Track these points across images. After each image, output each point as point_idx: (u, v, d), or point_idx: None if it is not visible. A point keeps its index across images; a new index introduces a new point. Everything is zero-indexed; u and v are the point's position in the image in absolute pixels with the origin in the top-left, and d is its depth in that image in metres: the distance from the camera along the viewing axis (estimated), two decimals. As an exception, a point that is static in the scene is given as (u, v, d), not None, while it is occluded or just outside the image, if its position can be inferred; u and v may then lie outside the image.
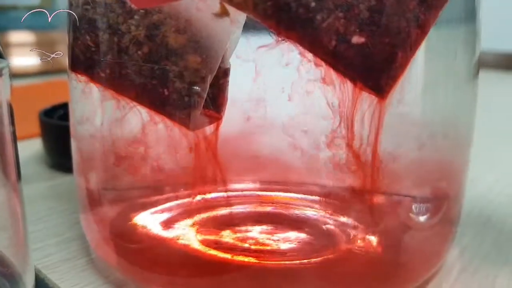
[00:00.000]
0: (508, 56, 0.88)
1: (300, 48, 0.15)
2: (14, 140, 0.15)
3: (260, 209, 0.20)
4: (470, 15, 0.18)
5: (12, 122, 0.14)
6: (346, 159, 0.17)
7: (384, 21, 0.14)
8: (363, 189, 0.18)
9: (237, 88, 0.16)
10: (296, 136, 0.17)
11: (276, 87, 0.16)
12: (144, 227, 0.19)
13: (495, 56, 0.85)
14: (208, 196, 0.18)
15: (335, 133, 0.16)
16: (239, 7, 0.14)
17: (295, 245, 0.18)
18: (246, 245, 0.18)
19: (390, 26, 0.14)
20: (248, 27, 0.15)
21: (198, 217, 0.19)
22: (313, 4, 0.14)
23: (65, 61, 0.19)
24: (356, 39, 0.14)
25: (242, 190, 0.20)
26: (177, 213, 0.19)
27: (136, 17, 0.15)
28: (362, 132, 0.16)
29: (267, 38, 0.15)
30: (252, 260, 0.17)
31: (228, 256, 0.17)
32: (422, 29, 0.15)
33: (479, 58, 0.19)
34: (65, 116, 0.33)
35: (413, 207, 0.18)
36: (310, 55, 0.15)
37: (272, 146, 0.18)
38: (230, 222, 0.19)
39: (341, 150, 0.16)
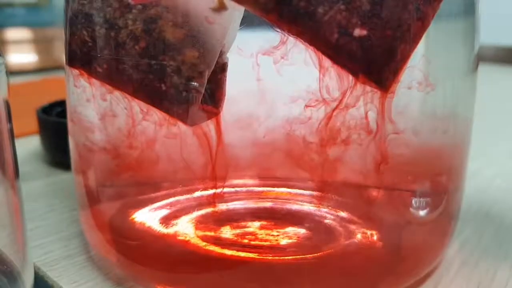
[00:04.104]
0: (507, 50, 0.88)
1: (301, 41, 0.15)
2: (12, 137, 0.14)
3: (259, 204, 0.20)
4: (470, 9, 0.18)
5: (10, 119, 0.14)
6: (345, 154, 0.17)
7: (386, 13, 0.14)
8: (363, 184, 0.18)
9: (235, 83, 0.16)
10: (296, 131, 0.17)
11: (274, 82, 0.16)
12: (143, 223, 0.19)
13: (494, 50, 0.85)
14: (207, 192, 0.18)
15: (335, 128, 0.16)
16: (239, 1, 0.14)
17: (294, 241, 0.18)
18: (246, 240, 0.18)
19: (392, 18, 0.14)
20: (246, 21, 0.15)
21: (197, 213, 0.19)
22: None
23: (62, 58, 0.19)
24: (358, 32, 0.14)
25: (241, 186, 0.20)
26: (176, 209, 0.19)
27: (133, 11, 0.15)
28: (362, 126, 0.16)
29: (266, 33, 0.15)
30: (251, 255, 0.17)
31: (227, 252, 0.17)
32: (423, 21, 0.15)
33: (478, 52, 0.19)
34: (63, 113, 0.33)
35: (413, 201, 0.18)
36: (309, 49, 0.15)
37: (271, 141, 0.18)
38: (229, 218, 0.19)
39: (340, 145, 0.16)
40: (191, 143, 0.17)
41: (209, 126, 0.16)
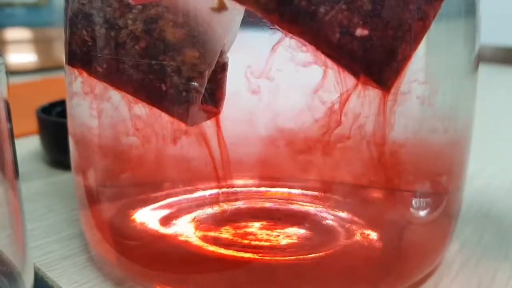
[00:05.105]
0: (506, 50, 0.88)
1: (301, 40, 0.15)
2: (12, 137, 0.14)
3: (260, 205, 0.20)
4: (470, 9, 0.18)
5: (10, 119, 0.14)
6: (346, 154, 0.17)
7: (387, 13, 0.14)
8: (363, 184, 0.18)
9: (236, 83, 0.16)
10: (296, 130, 0.17)
11: (275, 82, 0.16)
12: (143, 223, 0.19)
13: (493, 50, 0.86)
14: (207, 192, 0.18)
15: (336, 128, 0.16)
16: (240, 1, 0.14)
17: (294, 241, 0.18)
18: (246, 241, 0.18)
19: (393, 18, 0.14)
20: (246, 22, 0.15)
21: (197, 213, 0.19)
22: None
23: (62, 58, 0.19)
24: (360, 32, 0.14)
25: (242, 186, 0.20)
26: (176, 209, 0.19)
27: (133, 11, 0.15)
28: (363, 126, 0.16)
29: (266, 32, 0.15)
30: (251, 256, 0.17)
31: (227, 252, 0.17)
32: (425, 21, 0.15)
33: (478, 52, 0.19)
34: (63, 113, 0.33)
35: (413, 201, 0.18)
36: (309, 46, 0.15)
37: (271, 142, 0.18)
38: (230, 218, 0.19)
39: (341, 145, 0.16)
40: (191, 143, 0.17)
41: (209, 126, 0.16)
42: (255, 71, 0.16)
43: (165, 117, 0.16)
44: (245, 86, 0.16)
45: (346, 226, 0.18)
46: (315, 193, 0.19)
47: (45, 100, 0.35)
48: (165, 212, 0.19)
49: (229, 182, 0.18)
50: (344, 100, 0.16)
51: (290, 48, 0.15)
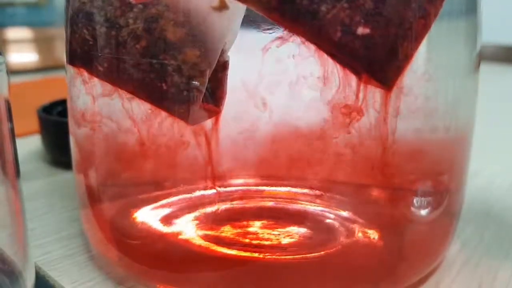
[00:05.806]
0: (507, 49, 0.88)
1: (302, 39, 0.15)
2: (13, 136, 0.14)
3: (261, 204, 0.20)
4: (471, 8, 0.18)
5: (10, 119, 0.14)
6: (347, 153, 0.17)
7: (388, 11, 0.14)
8: (364, 183, 0.18)
9: (237, 81, 0.16)
10: (297, 130, 0.17)
11: (276, 79, 0.16)
12: (144, 222, 0.19)
13: (494, 48, 0.85)
14: (208, 191, 0.18)
15: (337, 127, 0.16)
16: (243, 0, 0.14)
17: (296, 240, 0.18)
18: (247, 240, 0.18)
19: (395, 16, 0.14)
20: (247, 20, 0.15)
21: (198, 213, 0.19)
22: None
23: (63, 57, 0.19)
24: (362, 30, 0.14)
25: (242, 185, 0.20)
26: (177, 208, 0.19)
27: (134, 10, 0.15)
28: (364, 125, 0.16)
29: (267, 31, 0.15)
30: (252, 255, 0.17)
31: (228, 251, 0.17)
32: (426, 20, 0.15)
33: (480, 51, 0.19)
34: (64, 113, 0.33)
35: (415, 200, 0.18)
36: (309, 45, 0.15)
37: (272, 141, 0.18)
38: (231, 217, 0.19)
39: (342, 144, 0.16)
40: (192, 142, 0.17)
41: (210, 125, 0.16)
42: (256, 69, 0.16)
43: (166, 117, 0.16)
44: (246, 85, 0.16)
45: (347, 225, 0.18)
46: (317, 192, 0.19)
47: (46, 99, 0.35)
48: (166, 211, 0.19)
49: (230, 181, 0.18)
50: (346, 99, 0.16)
51: (290, 46, 0.15)
